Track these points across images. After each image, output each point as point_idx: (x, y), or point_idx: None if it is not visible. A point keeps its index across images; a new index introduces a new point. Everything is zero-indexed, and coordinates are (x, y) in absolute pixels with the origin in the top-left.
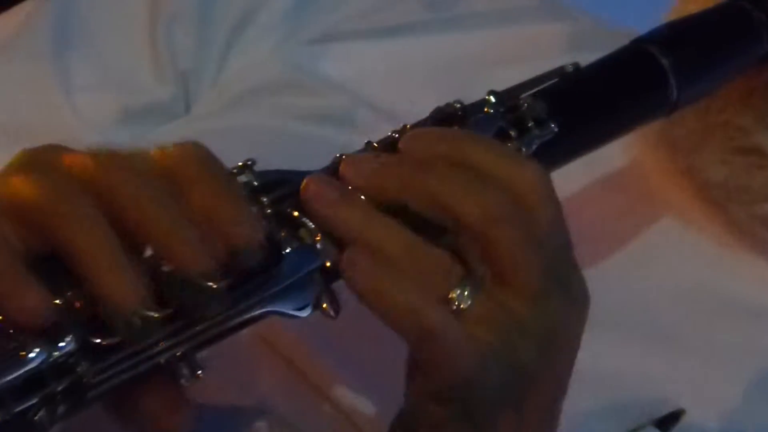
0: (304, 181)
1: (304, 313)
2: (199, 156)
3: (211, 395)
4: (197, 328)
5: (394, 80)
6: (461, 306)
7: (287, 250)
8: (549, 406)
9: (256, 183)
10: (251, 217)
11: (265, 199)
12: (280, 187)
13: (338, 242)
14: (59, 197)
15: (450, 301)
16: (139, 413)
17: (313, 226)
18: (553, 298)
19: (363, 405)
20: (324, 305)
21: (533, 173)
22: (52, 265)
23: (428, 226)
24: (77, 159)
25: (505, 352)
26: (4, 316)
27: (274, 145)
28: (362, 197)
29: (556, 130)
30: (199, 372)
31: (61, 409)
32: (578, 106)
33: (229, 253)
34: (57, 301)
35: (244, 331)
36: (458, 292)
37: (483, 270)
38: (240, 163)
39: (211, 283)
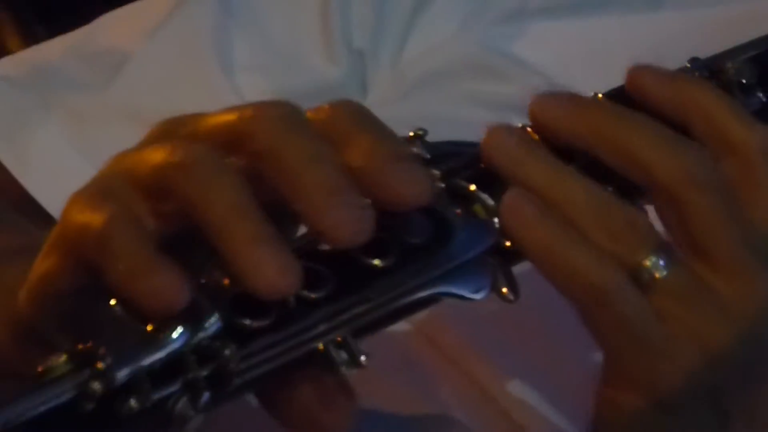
0: (485, 134)
1: (479, 296)
2: (360, 111)
3: (377, 401)
4: (357, 310)
5: (596, 65)
6: (656, 275)
7: (460, 227)
8: (759, 409)
9: (427, 156)
10: (417, 173)
11: (436, 172)
12: (453, 160)
13: None
14: (199, 165)
15: (643, 269)
16: (292, 408)
17: (490, 201)
18: (760, 280)
19: (533, 408)
20: (502, 289)
21: (764, 136)
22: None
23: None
24: (219, 118)
25: (700, 334)
26: (137, 298)
27: (458, 136)
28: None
29: (764, 99)
30: (362, 358)
31: (204, 398)
32: None
33: (391, 222)
34: (202, 281)
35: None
36: (653, 260)
37: (678, 237)
38: (411, 133)
39: (374, 261)
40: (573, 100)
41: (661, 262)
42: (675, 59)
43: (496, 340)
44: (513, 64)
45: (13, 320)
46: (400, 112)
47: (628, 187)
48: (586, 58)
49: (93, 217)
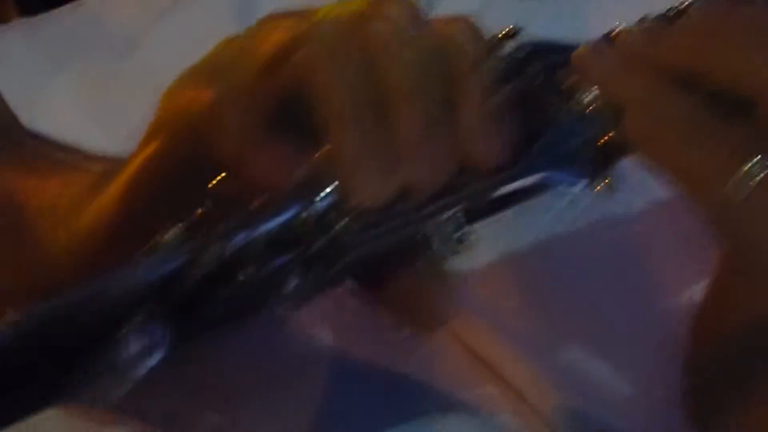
0: (579, 47)
1: (578, 187)
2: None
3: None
4: (468, 189)
5: None
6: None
7: (559, 118)
8: None
9: (522, 53)
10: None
11: (533, 69)
12: (549, 57)
13: (616, 115)
14: (315, 40)
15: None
16: (395, 294)
17: (587, 95)
18: None
19: (547, 392)
20: (600, 185)
21: None
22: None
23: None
24: (335, 8)
25: None
26: (249, 172)
27: None
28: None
29: None
30: (465, 242)
31: (314, 272)
32: None
33: None
34: (316, 154)
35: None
36: (750, 164)
37: None
38: (504, 30)
39: None
40: (665, 26)
41: (757, 166)
42: None
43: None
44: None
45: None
46: None
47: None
48: None
49: (203, 93)
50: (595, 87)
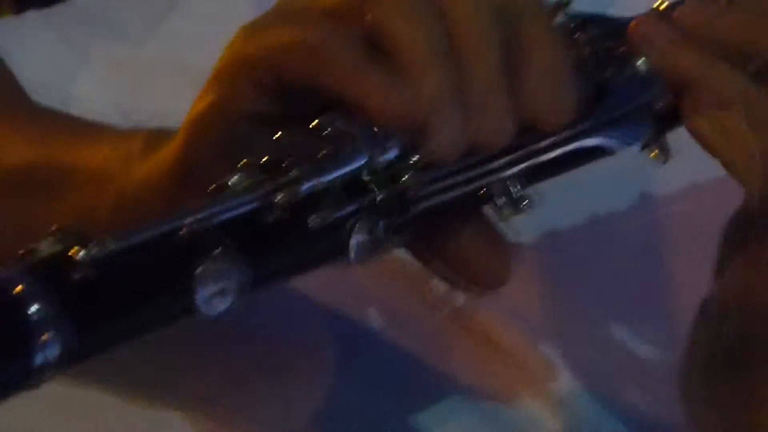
0: (634, 21)
1: (633, 149)
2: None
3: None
4: (530, 148)
5: None
6: None
7: (613, 84)
8: None
9: (572, 25)
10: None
11: (582, 37)
12: (600, 26)
13: (673, 86)
14: None
15: None
16: (453, 253)
17: (640, 62)
18: None
19: (561, 379)
20: (654, 151)
21: None
22: None
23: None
24: None
25: None
26: (363, 98)
27: None
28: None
29: None
30: (525, 203)
31: (381, 224)
32: None
33: None
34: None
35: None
36: None
37: None
38: (555, 2)
39: None
40: (720, 4)
41: None
42: None
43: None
44: None
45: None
46: None
47: None
48: None
49: (292, 30)
50: (650, 55)
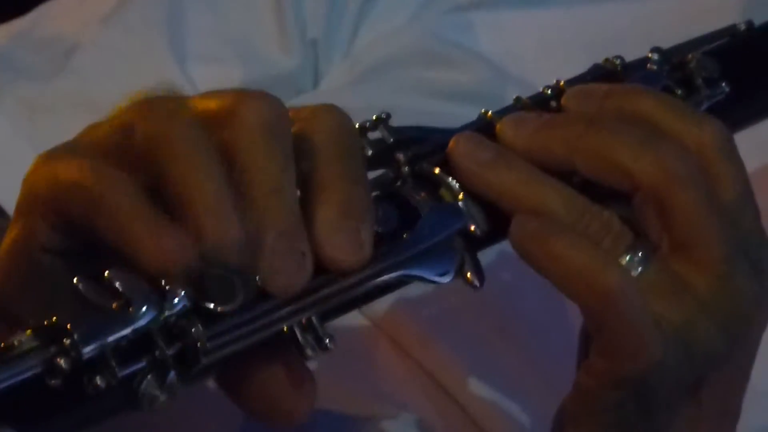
0: (453, 138)
1: (445, 280)
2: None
3: (337, 398)
4: (324, 293)
5: (548, 57)
6: (631, 273)
7: (425, 211)
8: (729, 398)
9: (391, 139)
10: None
11: (400, 156)
12: (419, 145)
13: (485, 205)
14: (173, 130)
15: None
16: (256, 392)
17: (455, 185)
18: (738, 274)
19: (492, 408)
20: (467, 274)
21: (714, 130)
22: None
23: (593, 193)
24: (197, 102)
25: (684, 330)
26: (142, 255)
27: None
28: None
29: (727, 90)
30: (327, 342)
31: (170, 377)
32: (752, 67)
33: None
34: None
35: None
36: (628, 257)
37: (657, 237)
38: (374, 117)
39: None
40: (541, 118)
41: (636, 259)
42: (625, 49)
43: (456, 337)
44: (464, 53)
45: None
46: (352, 101)
47: (597, 193)
48: (538, 49)
49: (78, 174)
50: (466, 177)
